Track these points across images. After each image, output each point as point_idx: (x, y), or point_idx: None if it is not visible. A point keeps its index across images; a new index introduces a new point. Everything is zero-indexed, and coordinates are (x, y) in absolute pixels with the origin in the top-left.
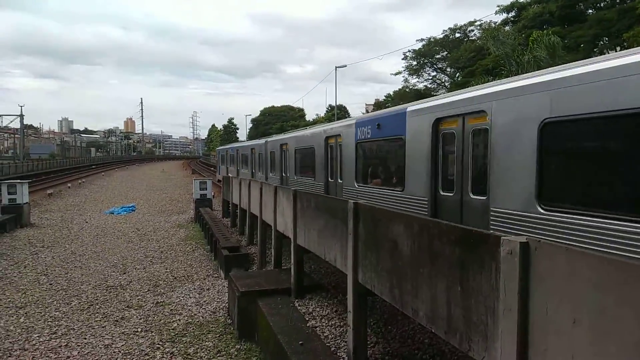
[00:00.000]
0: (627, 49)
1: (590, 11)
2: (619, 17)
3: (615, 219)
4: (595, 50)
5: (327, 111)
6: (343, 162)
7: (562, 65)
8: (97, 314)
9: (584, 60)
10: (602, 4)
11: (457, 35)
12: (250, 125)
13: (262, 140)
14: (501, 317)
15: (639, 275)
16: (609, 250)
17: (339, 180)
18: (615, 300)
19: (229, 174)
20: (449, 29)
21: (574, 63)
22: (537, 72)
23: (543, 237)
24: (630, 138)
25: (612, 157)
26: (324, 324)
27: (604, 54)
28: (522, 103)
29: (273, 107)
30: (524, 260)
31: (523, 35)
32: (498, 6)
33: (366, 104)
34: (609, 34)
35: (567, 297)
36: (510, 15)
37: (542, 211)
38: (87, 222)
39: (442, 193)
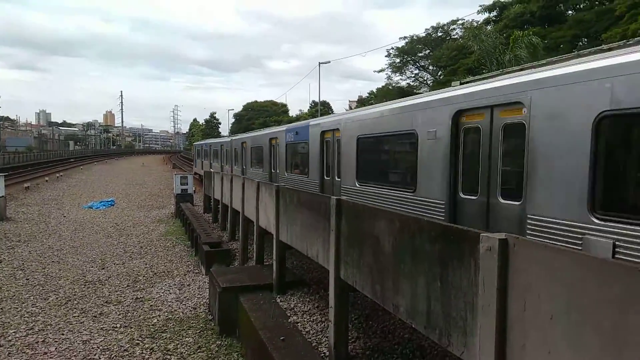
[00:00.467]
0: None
1: (570, 12)
2: (598, 19)
3: (381, 187)
4: (574, 50)
5: (310, 107)
6: (279, 157)
7: (369, 106)
8: (75, 310)
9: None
10: (581, 5)
11: (440, 34)
12: (233, 120)
13: (229, 138)
14: (480, 313)
15: (614, 273)
16: (382, 203)
17: (278, 171)
18: (592, 297)
19: (203, 168)
20: (432, 27)
21: (377, 105)
22: (357, 109)
23: (359, 199)
24: (382, 146)
25: (379, 156)
26: (305, 319)
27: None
28: (350, 126)
29: (256, 102)
30: (503, 257)
31: (504, 35)
32: (480, 6)
33: (349, 101)
34: (587, 35)
35: (544, 293)
36: (492, 14)
37: (358, 185)
38: (65, 216)
39: (325, 178)
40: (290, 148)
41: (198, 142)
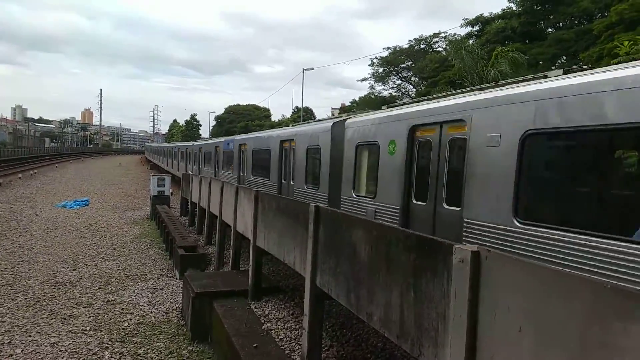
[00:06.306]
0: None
1: (550, 30)
2: (577, 38)
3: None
4: (553, 68)
5: (293, 112)
6: (247, 162)
7: (320, 119)
8: (43, 311)
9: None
10: (561, 24)
11: (422, 46)
12: (214, 122)
13: (201, 143)
14: (451, 324)
15: (581, 288)
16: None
17: (245, 174)
18: (558, 311)
19: (169, 167)
20: (414, 39)
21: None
22: (307, 122)
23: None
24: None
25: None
26: (279, 326)
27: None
28: (302, 137)
29: (239, 105)
30: (475, 269)
31: (486, 50)
32: (464, 19)
33: (332, 108)
34: (567, 54)
35: (513, 305)
36: (474, 29)
37: (306, 189)
38: (37, 215)
39: (283, 181)
40: (255, 154)
41: (167, 144)
